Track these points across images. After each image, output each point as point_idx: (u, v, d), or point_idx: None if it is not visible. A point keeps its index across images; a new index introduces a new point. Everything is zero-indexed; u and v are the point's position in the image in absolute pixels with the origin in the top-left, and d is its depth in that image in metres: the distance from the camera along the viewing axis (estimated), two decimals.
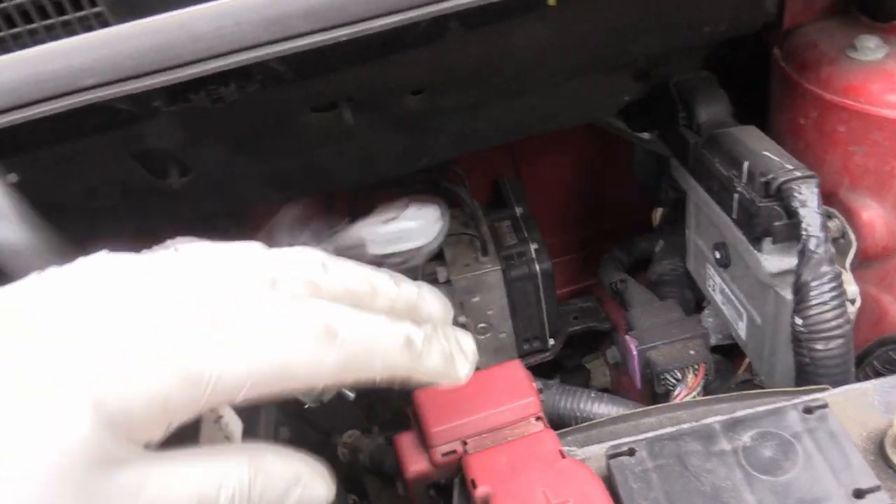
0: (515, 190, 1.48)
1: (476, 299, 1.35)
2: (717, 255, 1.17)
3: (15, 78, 0.71)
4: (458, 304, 1.37)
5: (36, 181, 0.93)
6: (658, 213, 1.53)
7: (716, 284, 1.25)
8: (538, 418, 0.86)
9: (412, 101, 1.04)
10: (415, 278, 0.59)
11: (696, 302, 1.41)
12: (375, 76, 0.96)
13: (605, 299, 1.53)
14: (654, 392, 1.20)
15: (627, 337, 1.20)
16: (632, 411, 0.91)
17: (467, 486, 0.83)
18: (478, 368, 1.42)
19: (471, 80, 1.04)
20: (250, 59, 0.74)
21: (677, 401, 1.12)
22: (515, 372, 0.90)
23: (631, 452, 0.81)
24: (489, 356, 1.42)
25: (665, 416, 0.91)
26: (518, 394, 0.88)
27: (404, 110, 1.06)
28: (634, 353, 1.17)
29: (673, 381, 1.14)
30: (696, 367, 1.14)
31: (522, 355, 1.43)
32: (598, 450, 0.84)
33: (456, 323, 1.41)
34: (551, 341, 1.43)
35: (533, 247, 1.34)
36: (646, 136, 1.39)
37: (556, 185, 1.61)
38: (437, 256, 1.42)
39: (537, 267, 1.33)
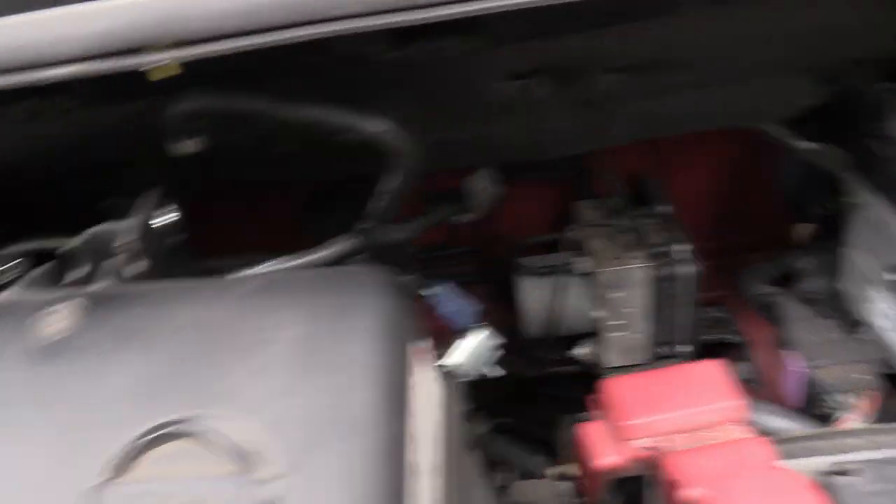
0: (659, 188, 1.42)
1: (618, 295, 1.30)
2: None
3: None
4: (597, 297, 1.32)
5: (216, 122, 0.90)
6: (802, 229, 1.46)
7: (880, 308, 1.18)
8: (744, 423, 0.81)
9: (606, 80, 0.99)
10: None
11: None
12: (585, 47, 0.92)
13: (740, 312, 1.46)
14: (809, 413, 1.13)
15: (788, 353, 1.13)
16: (831, 429, 0.86)
17: (663, 485, 0.78)
18: (610, 368, 1.36)
19: (673, 64, 0.99)
20: (497, 7, 0.70)
21: (845, 426, 1.06)
22: (717, 372, 0.85)
23: (852, 472, 0.75)
24: (619, 355, 1.37)
25: (868, 439, 0.84)
26: (721, 395, 0.83)
27: (595, 88, 1.01)
28: (796, 370, 1.11)
29: (838, 403, 1.08)
30: (866, 391, 1.07)
31: (653, 359, 1.37)
32: (801, 464, 0.79)
33: (589, 318, 1.36)
34: (684, 348, 1.37)
35: (684, 248, 1.28)
36: (810, 145, 1.32)
37: (694, 189, 1.54)
38: (574, 246, 1.37)
39: (688, 269, 1.27)
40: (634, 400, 0.82)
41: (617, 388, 0.84)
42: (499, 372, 1.27)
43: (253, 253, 1.02)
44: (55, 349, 0.65)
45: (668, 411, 0.81)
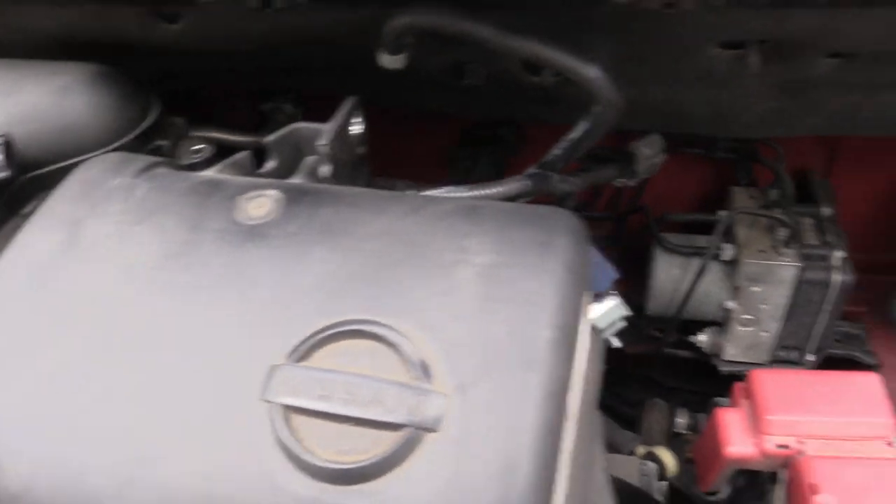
0: (826, 189, 1.36)
1: (756, 289, 1.27)
2: None
3: None
4: (734, 287, 1.29)
5: (425, 42, 0.91)
6: None
7: None
8: (892, 444, 0.79)
9: (824, 65, 0.93)
10: None
11: None
12: (817, 25, 0.86)
13: (876, 333, 1.40)
14: None
15: None
16: None
17: (795, 487, 0.77)
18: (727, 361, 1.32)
19: None
20: None
21: None
22: (874, 386, 0.82)
23: None
24: (740, 350, 1.34)
25: None
26: (873, 410, 0.80)
27: (809, 72, 0.95)
28: None
29: None
30: None
31: (773, 361, 1.34)
32: None
33: (719, 307, 1.32)
34: (810, 357, 1.33)
35: (839, 254, 1.23)
36: None
37: (857, 197, 1.47)
38: (723, 231, 1.34)
39: (840, 278, 1.22)
40: (782, 396, 0.81)
41: (765, 381, 0.83)
42: (617, 344, 1.27)
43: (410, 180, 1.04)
44: (256, 231, 0.70)
45: (815, 415, 0.80)
